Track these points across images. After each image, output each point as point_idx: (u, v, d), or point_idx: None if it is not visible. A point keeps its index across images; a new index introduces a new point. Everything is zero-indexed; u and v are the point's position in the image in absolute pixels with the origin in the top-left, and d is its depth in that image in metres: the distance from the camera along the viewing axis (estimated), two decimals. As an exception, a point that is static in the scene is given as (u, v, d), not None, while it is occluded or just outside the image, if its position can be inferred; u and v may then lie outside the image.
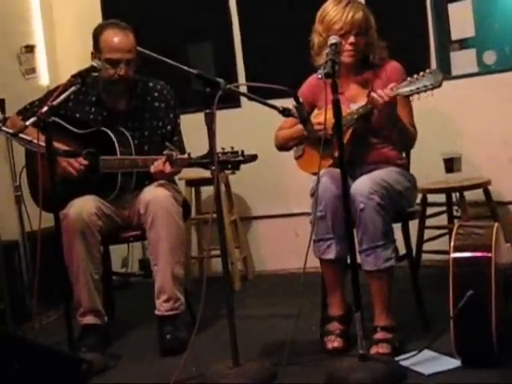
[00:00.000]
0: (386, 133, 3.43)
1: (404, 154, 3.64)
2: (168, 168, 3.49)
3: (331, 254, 3.30)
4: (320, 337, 3.37)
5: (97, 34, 3.67)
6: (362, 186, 3.22)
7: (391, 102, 3.23)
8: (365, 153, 3.45)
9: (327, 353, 3.24)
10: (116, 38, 3.64)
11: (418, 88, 3.17)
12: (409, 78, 3.21)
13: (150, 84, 3.85)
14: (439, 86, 3.14)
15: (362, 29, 3.39)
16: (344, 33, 3.37)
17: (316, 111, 3.58)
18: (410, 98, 3.25)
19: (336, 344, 3.25)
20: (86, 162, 3.65)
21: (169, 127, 3.82)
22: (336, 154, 3.20)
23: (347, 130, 3.34)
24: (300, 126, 3.41)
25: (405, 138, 3.46)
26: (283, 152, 3.66)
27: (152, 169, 3.53)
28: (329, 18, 3.42)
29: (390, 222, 3.26)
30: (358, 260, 3.11)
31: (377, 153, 3.47)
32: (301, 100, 3.20)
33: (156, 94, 3.83)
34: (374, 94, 3.24)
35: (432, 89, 3.15)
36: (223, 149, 3.04)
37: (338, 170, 3.19)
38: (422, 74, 3.18)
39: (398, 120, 3.34)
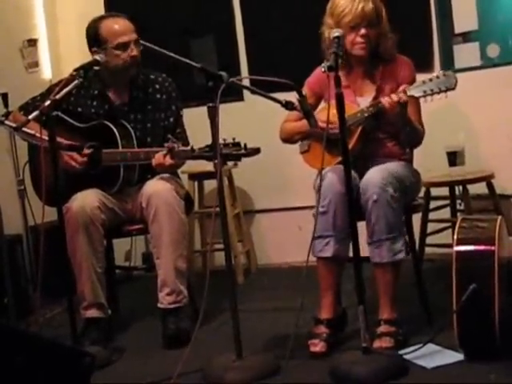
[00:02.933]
0: (392, 128, 3.42)
1: (408, 149, 3.63)
2: (169, 160, 3.48)
3: (329, 252, 3.27)
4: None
5: (95, 30, 3.67)
6: (375, 177, 3.21)
7: (402, 104, 3.20)
8: (372, 148, 3.44)
9: (309, 355, 3.22)
10: (116, 24, 3.67)
11: (431, 90, 3.12)
12: (422, 79, 3.16)
13: (152, 76, 3.85)
14: (453, 88, 3.09)
15: (373, 20, 3.34)
16: (354, 25, 3.34)
17: (322, 104, 3.56)
18: (423, 99, 3.21)
19: (318, 349, 3.22)
20: (88, 151, 3.64)
21: (171, 119, 3.82)
22: None
23: (357, 128, 3.32)
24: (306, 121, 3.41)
25: (413, 138, 3.45)
26: (287, 145, 3.64)
27: (153, 161, 3.53)
28: (338, 10, 3.37)
29: (401, 215, 3.26)
30: (362, 253, 3.11)
31: (383, 148, 3.46)
32: (304, 93, 3.19)
33: (157, 86, 3.83)
34: (384, 99, 3.22)
35: (446, 91, 3.10)
36: (224, 140, 3.04)
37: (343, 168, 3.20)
38: (435, 75, 3.13)
39: (409, 121, 3.31)
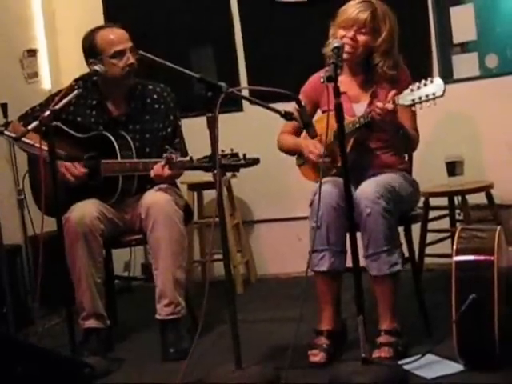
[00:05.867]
0: (387, 137, 3.42)
1: (406, 158, 3.63)
2: (168, 171, 3.47)
3: (324, 266, 3.27)
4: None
5: (90, 41, 3.69)
6: (368, 190, 3.21)
7: (392, 112, 3.20)
8: (366, 159, 3.44)
9: (309, 366, 3.21)
10: (112, 34, 3.70)
11: (420, 98, 3.10)
12: (410, 87, 3.15)
13: (150, 86, 3.85)
14: (442, 95, 3.06)
15: (366, 28, 3.38)
16: (345, 26, 3.39)
17: (319, 113, 3.57)
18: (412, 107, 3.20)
19: (317, 359, 3.22)
20: (84, 170, 3.65)
21: (169, 129, 3.82)
22: (339, 163, 3.19)
23: (349, 139, 3.30)
24: (300, 141, 3.43)
25: (407, 143, 3.46)
26: (286, 155, 3.67)
27: (152, 173, 3.53)
28: (341, 10, 3.46)
29: (396, 227, 3.26)
30: (362, 263, 3.11)
31: (378, 158, 3.46)
32: (303, 103, 3.20)
33: (155, 96, 3.83)
34: (374, 108, 3.22)
35: (434, 98, 3.08)
36: (223, 151, 3.04)
37: (340, 179, 3.19)
38: (423, 82, 3.10)
39: (400, 126, 3.31)
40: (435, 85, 3.08)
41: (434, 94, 3.08)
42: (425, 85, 3.11)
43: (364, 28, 3.38)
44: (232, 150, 3.06)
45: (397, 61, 3.47)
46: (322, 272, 3.29)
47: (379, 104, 3.20)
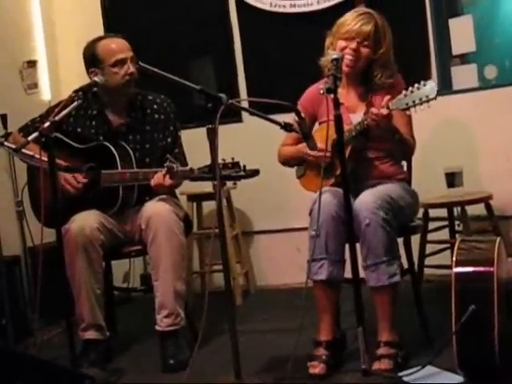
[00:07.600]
0: (386, 147, 3.43)
1: (405, 169, 3.64)
2: (168, 181, 3.48)
3: (323, 275, 3.26)
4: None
5: (92, 51, 3.71)
6: (367, 200, 3.21)
7: (387, 117, 3.21)
8: (365, 169, 3.45)
9: (309, 377, 3.19)
10: (113, 43, 3.72)
11: (413, 101, 3.13)
12: (404, 92, 3.18)
13: (150, 97, 3.87)
14: (435, 98, 3.10)
15: (368, 41, 3.40)
16: (347, 37, 3.40)
17: (317, 125, 3.58)
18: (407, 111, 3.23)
19: (317, 370, 3.19)
20: (84, 180, 3.65)
21: (169, 140, 3.83)
22: (338, 172, 3.20)
23: (346, 148, 3.31)
24: (302, 147, 3.43)
25: (403, 149, 3.46)
26: (286, 167, 3.68)
27: (152, 182, 3.53)
28: (340, 21, 3.47)
29: (395, 238, 3.25)
30: (361, 275, 3.11)
31: (377, 169, 3.47)
32: (302, 115, 3.20)
33: (156, 107, 3.84)
34: (369, 114, 3.24)
35: (428, 101, 3.11)
36: (224, 160, 3.04)
37: (339, 190, 3.20)
38: (416, 86, 3.14)
39: (396, 131, 3.33)
40: (428, 88, 3.12)
41: (427, 96, 3.11)
42: (418, 88, 3.15)
43: (367, 40, 3.40)
44: (233, 158, 3.06)
45: (393, 70, 3.49)
46: (321, 281, 3.28)
47: (374, 110, 3.23)
